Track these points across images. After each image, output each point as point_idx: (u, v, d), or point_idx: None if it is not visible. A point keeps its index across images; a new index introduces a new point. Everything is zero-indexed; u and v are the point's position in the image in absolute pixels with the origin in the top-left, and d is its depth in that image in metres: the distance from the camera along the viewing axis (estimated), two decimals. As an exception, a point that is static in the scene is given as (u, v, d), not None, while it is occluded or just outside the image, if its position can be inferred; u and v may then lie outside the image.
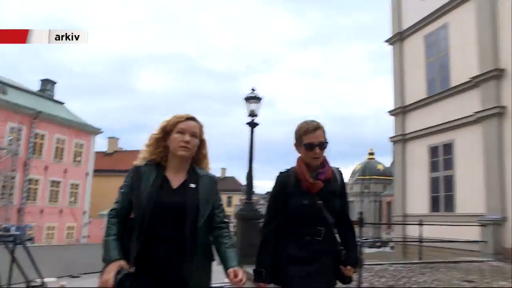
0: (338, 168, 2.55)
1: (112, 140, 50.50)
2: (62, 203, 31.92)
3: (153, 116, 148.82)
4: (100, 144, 57.59)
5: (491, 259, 9.87)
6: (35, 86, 34.81)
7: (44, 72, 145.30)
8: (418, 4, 14.07)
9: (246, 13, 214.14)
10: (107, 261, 1.93)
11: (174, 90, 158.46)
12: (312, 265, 2.33)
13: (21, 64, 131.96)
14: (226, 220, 2.26)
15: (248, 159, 9.82)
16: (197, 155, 2.22)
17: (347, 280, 2.44)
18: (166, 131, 2.15)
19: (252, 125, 10.21)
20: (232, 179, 70.45)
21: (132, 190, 2.07)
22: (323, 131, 2.41)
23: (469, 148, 11.61)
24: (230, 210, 45.42)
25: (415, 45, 14.12)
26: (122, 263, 1.91)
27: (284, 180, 2.43)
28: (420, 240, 10.45)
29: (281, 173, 2.49)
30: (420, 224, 10.41)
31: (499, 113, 10.67)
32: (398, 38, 14.80)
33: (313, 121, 2.42)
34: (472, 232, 10.61)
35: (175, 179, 2.14)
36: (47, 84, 35.24)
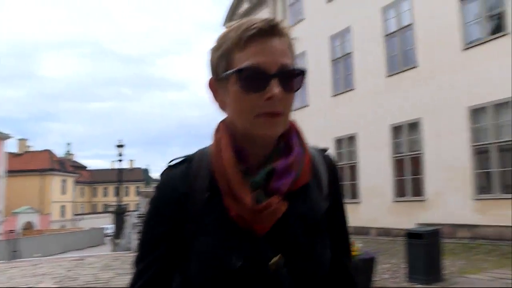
0: (324, 150, 0.94)
1: (22, 141, 53.10)
2: (-22, 203, 35.14)
3: (60, 104, 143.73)
4: (11, 143, 59.04)
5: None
6: None
7: None
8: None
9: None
10: None
11: (81, 76, 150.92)
12: None
13: None
14: None
15: (117, 178, 16.19)
16: None
17: None
18: None
19: (120, 161, 16.81)
20: (139, 170, 75.34)
21: None
22: (290, 43, 0.81)
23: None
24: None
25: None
26: None
27: (176, 193, 0.82)
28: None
29: (170, 167, 0.86)
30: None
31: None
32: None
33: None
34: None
35: None
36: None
